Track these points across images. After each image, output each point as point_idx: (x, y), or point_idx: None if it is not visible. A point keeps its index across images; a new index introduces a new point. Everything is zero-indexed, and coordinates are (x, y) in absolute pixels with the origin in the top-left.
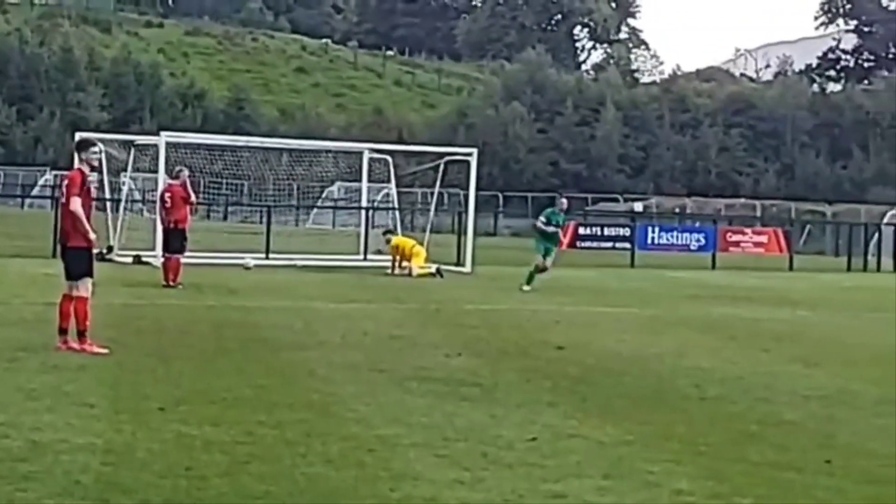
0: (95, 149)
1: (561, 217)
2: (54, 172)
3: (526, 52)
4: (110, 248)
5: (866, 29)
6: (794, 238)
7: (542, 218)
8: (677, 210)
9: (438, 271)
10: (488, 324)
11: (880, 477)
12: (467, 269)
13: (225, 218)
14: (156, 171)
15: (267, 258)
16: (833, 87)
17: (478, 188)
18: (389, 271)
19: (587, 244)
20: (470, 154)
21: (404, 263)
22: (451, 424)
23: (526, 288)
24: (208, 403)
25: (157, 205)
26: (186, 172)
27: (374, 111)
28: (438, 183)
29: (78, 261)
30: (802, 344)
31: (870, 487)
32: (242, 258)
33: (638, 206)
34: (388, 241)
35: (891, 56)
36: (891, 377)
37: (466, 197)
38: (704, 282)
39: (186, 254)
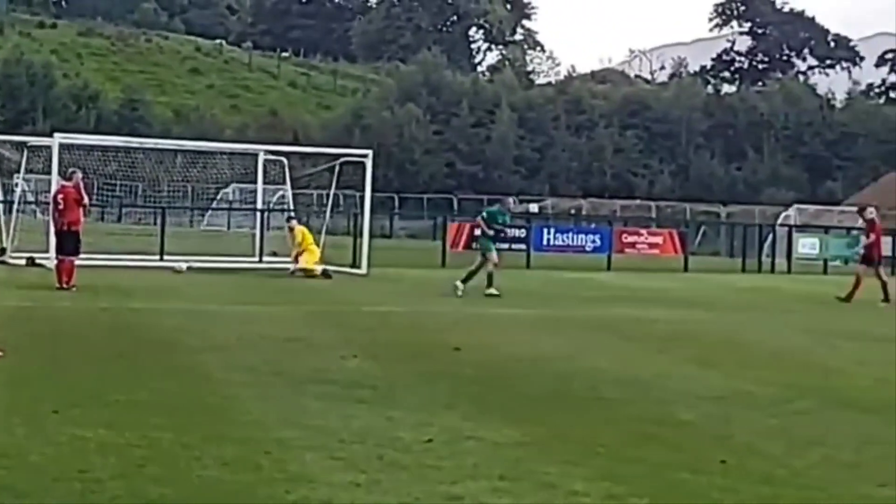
0: None
1: (507, 217)
2: None
3: (421, 54)
4: (3, 250)
5: (760, 31)
6: (689, 239)
7: (484, 216)
8: (573, 211)
9: (325, 272)
10: (385, 325)
11: (774, 477)
12: (363, 270)
13: (119, 220)
14: (49, 173)
15: (161, 260)
16: (728, 88)
17: (373, 190)
18: (291, 270)
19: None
20: (365, 156)
21: (303, 257)
22: (347, 427)
23: (493, 291)
24: (103, 406)
25: (51, 207)
26: (80, 174)
27: (270, 112)
28: (334, 184)
29: None
30: (698, 345)
31: (764, 487)
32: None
33: (533, 208)
34: (290, 229)
35: (785, 58)
36: (785, 378)
37: (362, 198)
38: (600, 283)
39: (80, 256)
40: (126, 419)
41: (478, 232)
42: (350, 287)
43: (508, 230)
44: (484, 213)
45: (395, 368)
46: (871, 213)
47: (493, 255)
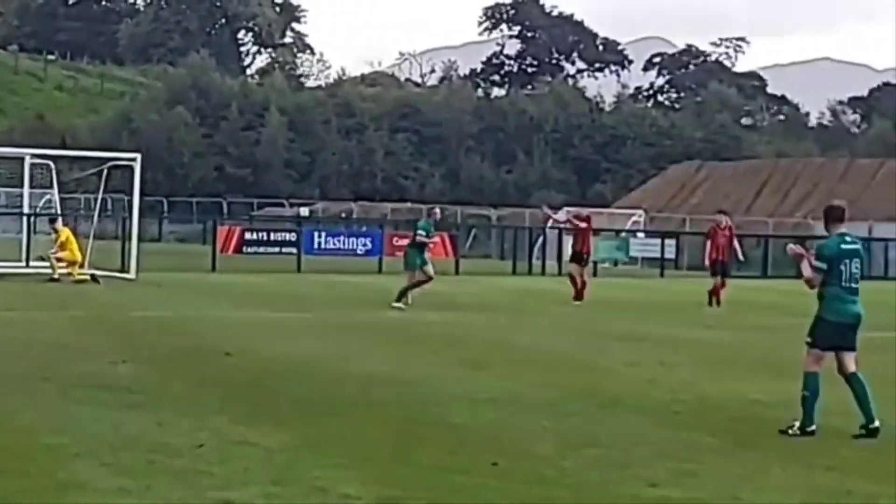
0: None
1: (432, 227)
2: None
3: (190, 57)
4: None
5: (530, 34)
6: (460, 242)
7: (420, 231)
8: (344, 215)
9: (94, 277)
10: (154, 330)
11: (546, 478)
12: (132, 275)
13: None
14: None
15: None
16: (497, 91)
17: (142, 193)
18: (58, 275)
19: (253, 249)
20: (134, 159)
21: (60, 254)
22: (117, 433)
23: (400, 305)
24: None
25: None
26: None
27: (36, 116)
28: (102, 188)
29: None
30: (470, 347)
31: (536, 488)
32: None
33: (304, 211)
34: (55, 230)
35: (554, 61)
36: (556, 379)
37: (130, 202)
38: (372, 286)
39: None
40: None
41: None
42: (119, 292)
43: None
44: (420, 230)
45: (165, 373)
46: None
47: (419, 273)
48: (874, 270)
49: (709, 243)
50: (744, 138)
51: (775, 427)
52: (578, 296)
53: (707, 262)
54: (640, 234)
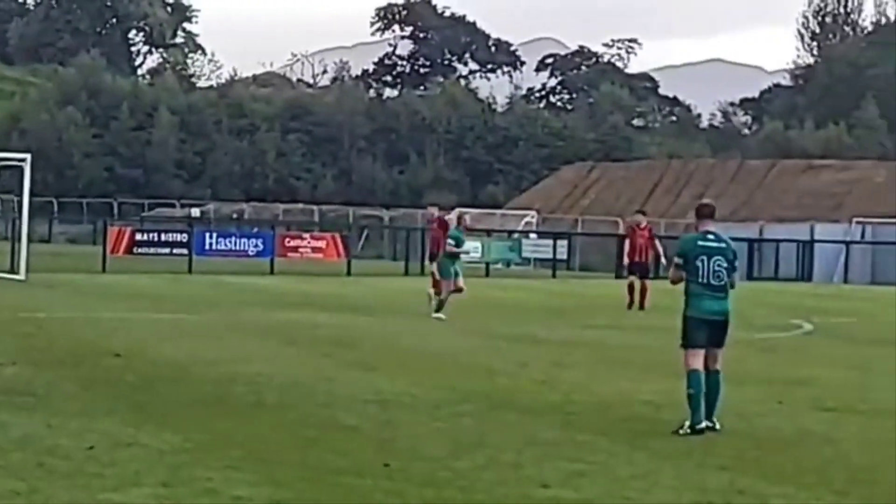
0: None
1: (462, 234)
2: None
3: (80, 57)
4: None
5: (422, 35)
6: (353, 243)
7: (450, 241)
8: (235, 215)
9: None
10: (44, 332)
11: (438, 479)
12: (22, 276)
13: None
14: None
15: None
16: (390, 92)
17: (32, 194)
18: None
19: (144, 250)
20: (23, 160)
21: None
22: (5, 435)
23: (440, 315)
24: None
25: None
26: None
27: None
28: None
29: None
30: (361, 349)
31: (428, 490)
32: None
33: (195, 212)
34: None
35: (446, 62)
36: (448, 380)
37: (20, 203)
38: (263, 287)
39: None
40: None
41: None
42: (8, 293)
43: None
44: (451, 239)
45: (54, 375)
46: (432, 210)
47: (461, 281)
48: (765, 271)
49: (627, 244)
50: (636, 139)
51: (667, 427)
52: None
53: (626, 263)
54: (533, 236)
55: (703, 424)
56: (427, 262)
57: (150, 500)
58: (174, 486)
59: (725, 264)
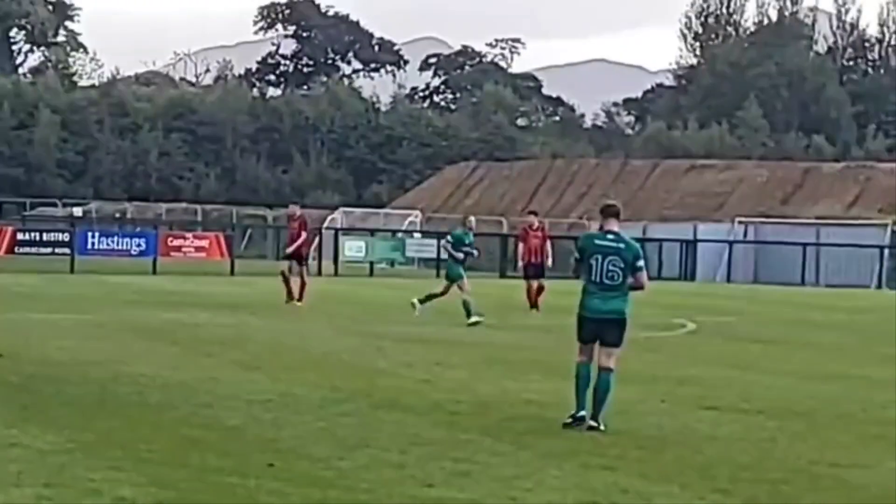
0: None
1: (470, 236)
2: None
3: None
4: None
5: (305, 34)
6: (236, 242)
7: (450, 239)
8: (117, 215)
9: None
10: None
11: (322, 479)
12: None
13: None
14: None
15: None
16: (273, 91)
17: None
18: None
19: (26, 250)
20: None
21: None
22: None
23: (476, 318)
24: None
25: None
26: None
27: None
28: None
29: None
30: (245, 348)
31: (312, 490)
32: None
33: (77, 211)
34: None
35: (330, 61)
36: (332, 380)
37: None
38: (146, 287)
39: None
40: None
41: (444, 255)
42: None
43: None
44: (449, 237)
45: None
46: (293, 209)
47: (465, 283)
48: (649, 270)
49: (521, 245)
50: (519, 139)
51: (551, 426)
52: (294, 296)
53: (521, 265)
54: (417, 235)
55: (581, 414)
56: (281, 258)
57: (32, 500)
58: (57, 487)
59: (622, 265)
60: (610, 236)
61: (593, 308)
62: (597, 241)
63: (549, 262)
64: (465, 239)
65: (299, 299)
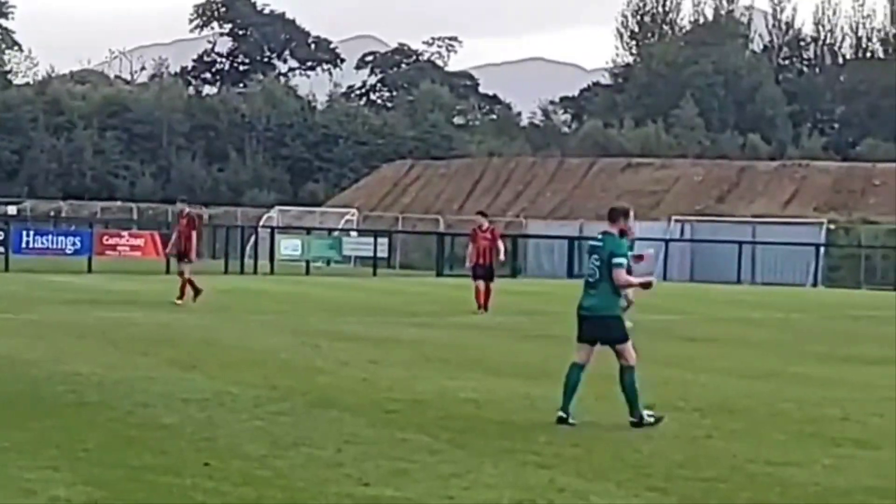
0: None
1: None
2: None
3: None
4: None
5: (241, 32)
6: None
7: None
8: (52, 213)
9: None
10: None
11: (258, 478)
12: None
13: None
14: None
15: None
16: (209, 89)
17: None
18: None
19: None
20: None
21: None
22: None
23: None
24: None
25: None
26: None
27: None
28: None
29: None
30: (180, 347)
31: (248, 489)
32: None
33: (12, 210)
34: None
35: (266, 59)
36: (269, 379)
37: None
38: (81, 286)
39: None
40: None
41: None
42: None
43: None
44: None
45: None
46: (181, 206)
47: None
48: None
49: (471, 246)
50: (456, 137)
51: (488, 425)
52: (196, 293)
53: (468, 266)
54: (353, 234)
55: (561, 415)
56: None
57: None
58: None
59: (598, 263)
60: (598, 236)
61: (581, 305)
62: (589, 242)
63: (502, 258)
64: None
65: (180, 297)
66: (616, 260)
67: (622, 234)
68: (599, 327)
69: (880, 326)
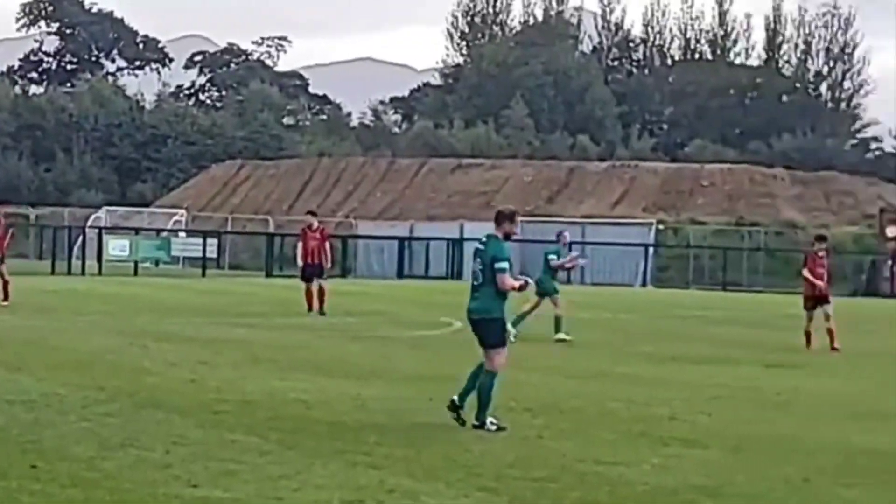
0: None
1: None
2: None
3: None
4: None
5: (69, 31)
6: None
7: (552, 256)
8: None
9: None
10: None
11: (85, 479)
12: None
13: None
14: None
15: None
16: (36, 89)
17: None
18: None
19: None
20: None
21: None
22: None
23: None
24: None
25: None
26: None
27: None
28: None
29: None
30: (6, 348)
31: (75, 491)
32: None
33: None
34: None
35: (94, 58)
36: (96, 380)
37: None
38: None
39: None
40: None
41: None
42: None
43: None
44: (552, 255)
45: None
46: None
47: (558, 299)
48: (415, 269)
49: (300, 246)
50: (286, 137)
51: (318, 425)
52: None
53: (300, 266)
54: (182, 234)
55: (453, 398)
56: None
57: None
58: None
59: (481, 266)
60: (483, 239)
61: (468, 308)
62: (475, 246)
63: (328, 263)
64: (561, 254)
65: (5, 299)
66: (498, 265)
67: (507, 237)
68: (480, 328)
69: (708, 326)
